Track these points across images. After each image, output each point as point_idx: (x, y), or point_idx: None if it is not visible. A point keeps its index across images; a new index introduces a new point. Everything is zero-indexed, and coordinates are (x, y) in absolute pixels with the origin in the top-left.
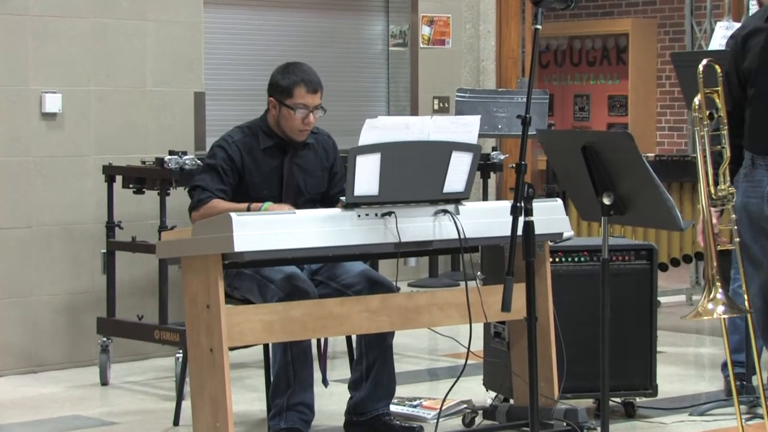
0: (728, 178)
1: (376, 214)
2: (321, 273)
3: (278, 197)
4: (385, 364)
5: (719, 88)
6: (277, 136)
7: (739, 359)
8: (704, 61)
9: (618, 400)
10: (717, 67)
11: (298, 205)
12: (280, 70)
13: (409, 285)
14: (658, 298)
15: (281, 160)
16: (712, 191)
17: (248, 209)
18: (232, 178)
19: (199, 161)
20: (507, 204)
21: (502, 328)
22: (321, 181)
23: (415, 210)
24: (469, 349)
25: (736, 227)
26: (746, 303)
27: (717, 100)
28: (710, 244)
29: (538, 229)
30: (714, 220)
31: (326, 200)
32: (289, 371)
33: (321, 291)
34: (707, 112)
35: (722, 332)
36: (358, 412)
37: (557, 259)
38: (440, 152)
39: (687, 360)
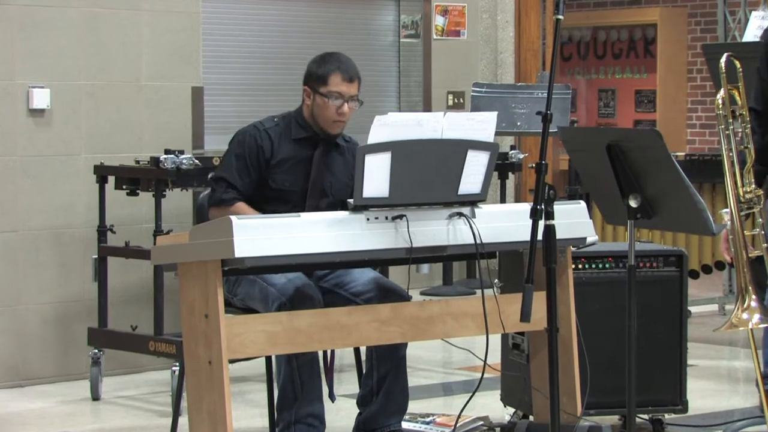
0: (752, 180)
1: (387, 218)
2: (328, 280)
3: (302, 193)
4: (397, 378)
5: (740, 84)
6: (310, 128)
7: None
8: (725, 56)
9: (645, 416)
10: (737, 62)
11: (321, 207)
12: (316, 59)
13: (422, 293)
14: (689, 308)
15: (311, 154)
16: (740, 193)
17: None
18: (255, 173)
19: (197, 161)
20: (526, 207)
21: (521, 340)
22: (345, 187)
23: (428, 213)
24: (485, 361)
25: (763, 232)
26: None
27: (738, 97)
28: (741, 250)
29: (560, 234)
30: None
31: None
32: (296, 380)
33: (328, 299)
34: (731, 110)
35: (750, 343)
36: (368, 429)
37: (580, 266)
38: (455, 151)
39: (719, 374)
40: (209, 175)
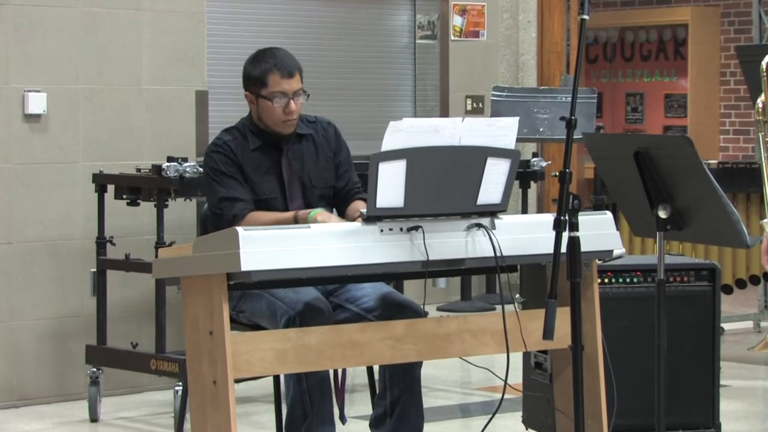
0: None
1: (401, 229)
2: (338, 295)
3: (282, 198)
4: (411, 399)
5: None
6: (266, 134)
7: None
8: (767, 57)
9: None
10: None
11: (311, 200)
12: (250, 60)
13: (439, 309)
14: (722, 325)
15: (277, 158)
16: None
17: (295, 218)
18: (243, 181)
19: (201, 169)
20: (549, 217)
21: (543, 359)
22: (328, 172)
23: (445, 224)
24: (506, 381)
25: None
26: None
27: None
28: None
29: (585, 246)
30: None
31: (338, 196)
32: (305, 400)
33: (339, 316)
34: None
35: None
36: None
37: (606, 280)
38: (474, 159)
39: (754, 395)
40: (205, 207)
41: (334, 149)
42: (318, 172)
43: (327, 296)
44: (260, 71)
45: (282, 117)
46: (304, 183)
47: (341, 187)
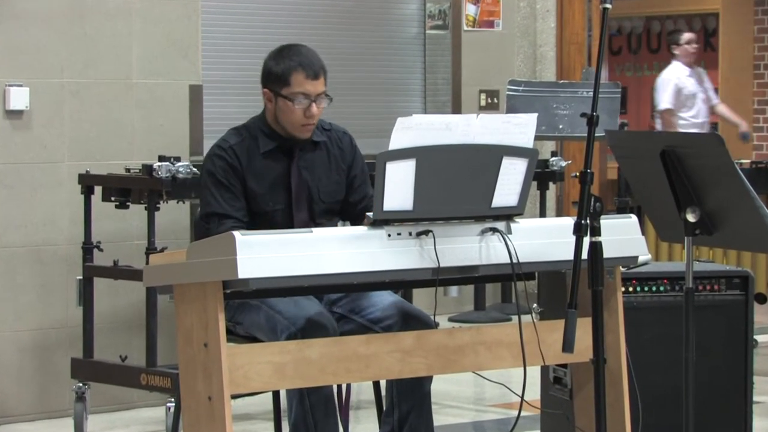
0: None
1: (410, 234)
2: (342, 305)
3: (288, 209)
4: (421, 416)
5: None
6: (279, 137)
7: None
8: None
9: None
10: None
11: (315, 215)
12: (273, 55)
13: (450, 320)
14: (755, 336)
15: (287, 164)
16: None
17: None
18: (241, 196)
19: (195, 169)
20: (570, 221)
21: (563, 373)
22: (338, 186)
23: (457, 228)
24: (522, 397)
25: None
26: None
27: None
28: None
29: (608, 252)
30: None
31: (347, 210)
32: (309, 421)
33: (343, 327)
34: None
35: None
36: None
37: (631, 289)
38: (488, 158)
39: None
40: (199, 211)
41: (349, 162)
42: (328, 185)
43: (330, 306)
44: (283, 68)
45: (301, 120)
46: (312, 195)
47: (356, 201)
